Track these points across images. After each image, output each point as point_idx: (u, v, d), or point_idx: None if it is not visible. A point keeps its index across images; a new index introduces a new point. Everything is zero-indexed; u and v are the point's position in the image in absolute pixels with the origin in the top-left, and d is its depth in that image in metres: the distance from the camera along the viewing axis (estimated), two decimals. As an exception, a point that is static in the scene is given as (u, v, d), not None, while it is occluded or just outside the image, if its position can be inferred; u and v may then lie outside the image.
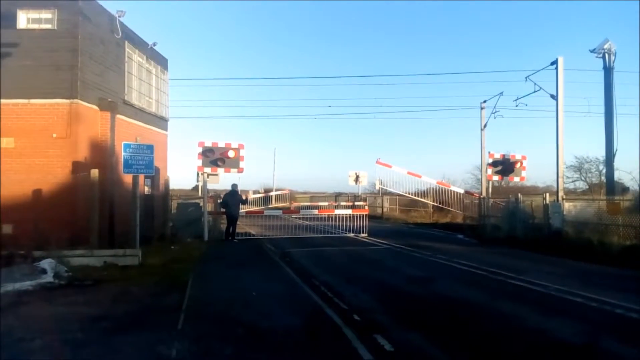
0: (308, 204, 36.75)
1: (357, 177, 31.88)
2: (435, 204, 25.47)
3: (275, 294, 8.49)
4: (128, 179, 14.28)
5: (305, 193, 51.94)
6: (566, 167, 32.49)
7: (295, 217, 23.19)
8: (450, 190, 34.64)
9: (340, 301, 8.17)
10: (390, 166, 23.26)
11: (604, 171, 24.48)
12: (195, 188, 35.24)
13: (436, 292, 9.13)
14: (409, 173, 24.31)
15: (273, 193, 41.41)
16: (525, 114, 37.91)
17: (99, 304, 7.75)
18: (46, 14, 13.74)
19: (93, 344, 5.74)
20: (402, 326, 6.76)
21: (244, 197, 17.24)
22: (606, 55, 16.45)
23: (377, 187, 38.35)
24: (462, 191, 21.33)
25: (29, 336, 6.01)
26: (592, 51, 16.66)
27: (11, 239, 12.29)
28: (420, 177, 24.26)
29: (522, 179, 20.11)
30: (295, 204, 35.73)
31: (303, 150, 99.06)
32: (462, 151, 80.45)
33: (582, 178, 32.82)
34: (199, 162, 16.77)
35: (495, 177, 19.67)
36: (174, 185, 29.50)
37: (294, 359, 5.37)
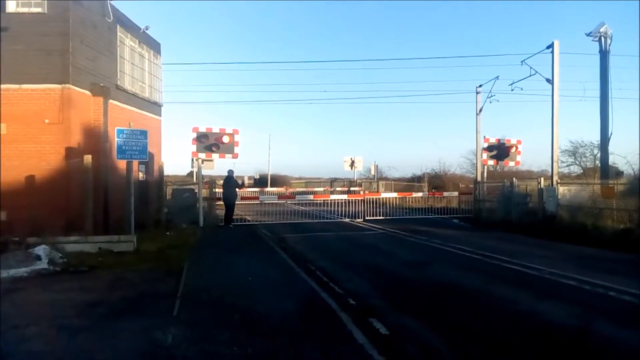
0: (304, 189, 36.68)
1: (353, 162, 31.86)
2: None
3: (271, 279, 8.50)
4: (122, 164, 14.17)
5: (300, 178, 51.94)
6: (561, 152, 32.59)
7: (291, 203, 23.16)
8: (447, 176, 34.80)
9: (336, 286, 8.19)
10: (379, 194, 23.34)
11: (598, 155, 24.53)
12: (190, 174, 35.14)
13: (430, 277, 9.17)
14: (399, 194, 24.46)
15: (269, 188, 41.08)
16: (521, 98, 37.93)
17: (95, 290, 7.73)
18: (36, -3, 13.50)
19: (89, 330, 5.73)
20: (396, 310, 6.79)
21: (239, 182, 17.21)
22: (602, 39, 16.37)
23: (372, 173, 38.44)
24: (455, 194, 21.29)
25: (24, 323, 6.00)
26: (588, 35, 16.57)
27: (5, 225, 12.24)
28: (411, 194, 24.47)
29: (517, 163, 20.11)
30: (290, 190, 35.65)
31: (299, 135, 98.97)
32: (458, 135, 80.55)
33: (577, 162, 32.94)
34: (193, 148, 16.67)
35: (491, 162, 19.67)
36: (169, 171, 29.43)
37: (290, 344, 5.37)
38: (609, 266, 9.94)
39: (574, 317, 6.37)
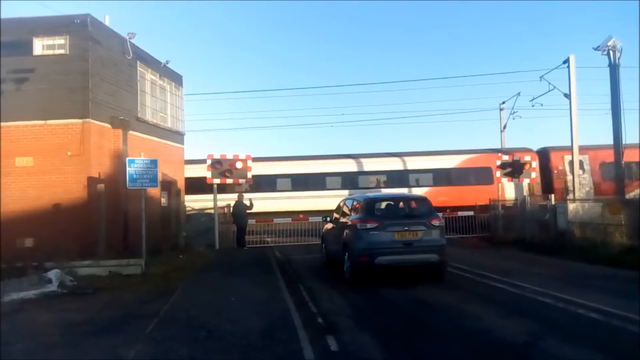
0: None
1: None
2: None
3: (252, 299, 8.88)
4: (148, 191, 14.94)
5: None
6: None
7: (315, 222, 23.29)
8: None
9: (314, 305, 8.55)
10: None
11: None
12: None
13: (407, 294, 9.27)
14: None
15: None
16: (543, 114, 37.24)
17: (89, 310, 8.36)
18: (59, 40, 14.71)
19: (64, 347, 6.31)
20: (358, 327, 7.08)
21: (248, 204, 17.82)
22: (611, 52, 16.19)
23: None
24: (471, 213, 20.64)
25: (14, 340, 6.66)
26: (596, 49, 16.43)
27: (31, 251, 13.23)
28: None
29: (532, 180, 19.85)
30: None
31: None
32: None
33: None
34: (209, 174, 17.41)
35: (505, 179, 19.53)
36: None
37: (239, 359, 5.79)
38: (600, 284, 9.82)
39: (525, 333, 6.47)
